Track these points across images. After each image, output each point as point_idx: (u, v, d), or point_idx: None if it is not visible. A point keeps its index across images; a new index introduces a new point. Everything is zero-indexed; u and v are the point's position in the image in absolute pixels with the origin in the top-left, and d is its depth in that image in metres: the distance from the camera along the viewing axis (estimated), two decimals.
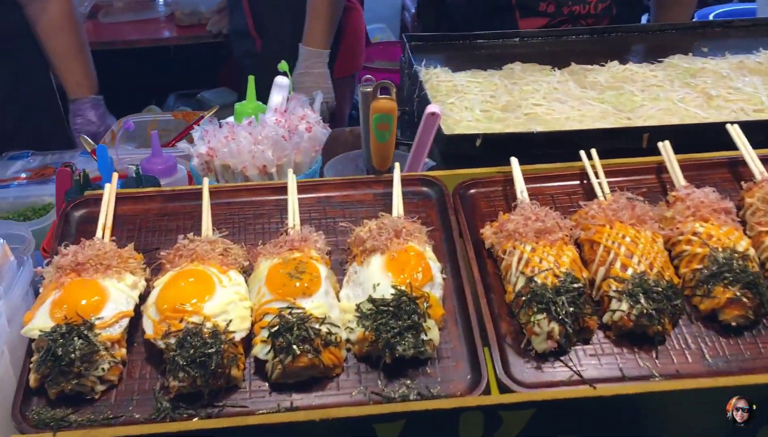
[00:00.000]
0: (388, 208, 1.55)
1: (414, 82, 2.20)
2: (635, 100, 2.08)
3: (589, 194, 1.59)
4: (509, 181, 1.61)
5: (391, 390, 1.27)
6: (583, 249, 1.46)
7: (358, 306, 1.33)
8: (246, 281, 1.41)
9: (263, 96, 2.06)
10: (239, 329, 1.30)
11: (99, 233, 1.47)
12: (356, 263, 1.42)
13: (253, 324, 1.33)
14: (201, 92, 4.55)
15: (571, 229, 1.46)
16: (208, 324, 1.27)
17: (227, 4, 3.68)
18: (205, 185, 1.58)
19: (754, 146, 1.63)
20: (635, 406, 1.23)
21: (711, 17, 3.84)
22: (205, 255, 1.38)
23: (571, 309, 1.29)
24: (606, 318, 1.34)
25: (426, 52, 2.44)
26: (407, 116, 2.32)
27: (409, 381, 1.28)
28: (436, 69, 2.30)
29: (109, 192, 1.55)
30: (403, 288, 1.32)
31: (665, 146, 1.64)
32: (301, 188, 1.61)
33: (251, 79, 2.08)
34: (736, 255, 1.36)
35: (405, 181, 1.61)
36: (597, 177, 1.59)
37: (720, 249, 1.37)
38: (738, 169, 1.66)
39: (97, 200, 1.56)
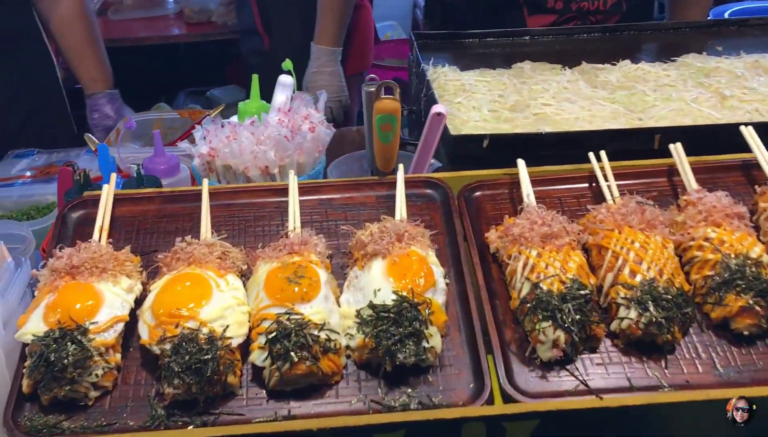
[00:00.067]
0: (392, 211, 1.52)
1: (421, 81, 2.17)
2: (647, 100, 2.04)
3: (598, 197, 1.55)
4: (516, 183, 1.57)
5: (392, 398, 1.24)
6: (590, 255, 1.42)
7: (358, 312, 1.30)
8: (245, 285, 1.38)
9: (272, 94, 2.02)
10: (236, 335, 1.27)
11: (96, 235, 1.45)
12: (357, 267, 1.39)
13: (250, 330, 1.30)
14: (210, 90, 4.54)
15: (578, 234, 1.43)
16: (205, 330, 1.24)
17: (235, 1, 3.66)
18: (205, 186, 1.55)
19: None
20: (643, 418, 1.19)
21: (726, 15, 3.77)
22: (202, 259, 1.36)
23: (578, 316, 1.25)
24: (614, 326, 1.31)
25: (434, 51, 2.41)
26: (414, 115, 2.29)
27: (410, 390, 1.25)
28: (444, 68, 2.26)
29: (107, 193, 1.53)
30: (404, 293, 1.28)
31: (677, 148, 1.60)
32: (303, 190, 1.58)
33: (255, 77, 2.05)
34: (749, 261, 1.32)
35: (409, 183, 1.58)
36: (606, 180, 1.55)
37: (732, 256, 1.33)
38: (752, 172, 1.61)
39: (96, 201, 1.54)
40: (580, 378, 1.25)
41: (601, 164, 1.59)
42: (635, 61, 2.29)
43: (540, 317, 1.26)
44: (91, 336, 1.24)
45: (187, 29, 4.44)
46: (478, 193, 1.60)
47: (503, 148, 1.77)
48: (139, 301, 1.36)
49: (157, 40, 4.44)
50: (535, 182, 1.56)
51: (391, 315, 1.25)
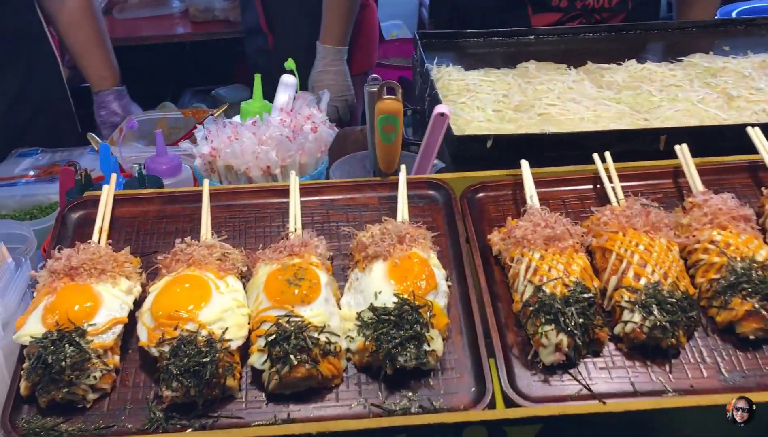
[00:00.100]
0: (394, 212, 1.51)
1: (425, 80, 2.15)
2: (653, 100, 2.02)
3: (602, 199, 1.54)
4: (519, 184, 1.56)
5: (392, 402, 1.23)
6: (594, 257, 1.41)
7: (358, 314, 1.29)
8: (244, 287, 1.37)
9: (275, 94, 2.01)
10: (236, 337, 1.26)
11: (95, 236, 1.44)
12: (358, 269, 1.38)
13: (250, 332, 1.29)
14: (216, 89, 4.53)
15: (582, 236, 1.41)
16: (204, 332, 1.23)
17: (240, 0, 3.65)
18: (206, 187, 1.54)
19: None
20: (647, 423, 1.18)
21: (733, 15, 3.74)
22: (202, 260, 1.35)
23: (581, 320, 1.24)
24: (617, 329, 1.29)
25: (439, 50, 2.39)
26: (419, 115, 2.27)
27: (410, 394, 1.24)
28: (448, 67, 2.25)
29: (107, 194, 1.52)
30: (405, 296, 1.27)
31: (682, 149, 1.58)
32: (304, 190, 1.57)
33: (258, 77, 2.04)
34: (756, 265, 1.30)
35: (411, 184, 1.57)
36: (611, 181, 1.53)
37: (738, 259, 1.31)
38: (759, 174, 1.59)
39: (96, 201, 1.53)
40: (583, 382, 1.24)
41: (605, 165, 1.57)
42: (641, 60, 2.27)
43: (543, 320, 1.25)
44: (89, 338, 1.24)
45: (192, 28, 4.43)
46: (480, 195, 1.58)
47: (507, 149, 1.76)
48: (138, 303, 1.35)
49: (162, 39, 4.43)
50: (538, 183, 1.54)
51: (392, 317, 1.24)
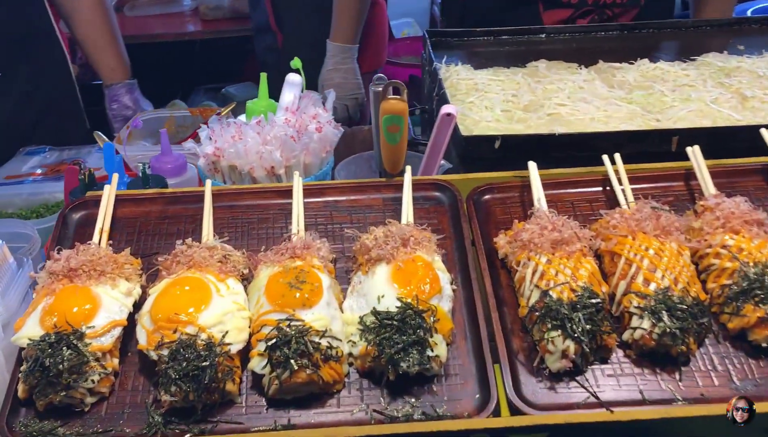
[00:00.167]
0: (398, 214, 1.48)
1: (434, 79, 2.13)
2: (665, 100, 1.99)
3: (612, 202, 1.51)
4: (527, 186, 1.53)
5: (395, 408, 1.21)
6: (603, 261, 1.38)
7: (361, 318, 1.26)
8: (246, 289, 1.35)
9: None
10: (236, 341, 1.24)
11: (96, 237, 1.42)
12: (361, 272, 1.36)
13: (251, 336, 1.26)
14: (226, 87, 4.52)
15: (590, 240, 1.38)
16: (203, 336, 1.22)
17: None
18: (208, 187, 1.52)
19: None
20: (656, 432, 1.16)
21: (749, 13, 3.69)
22: (202, 262, 1.33)
23: (588, 326, 1.21)
24: (626, 336, 1.26)
25: (448, 49, 2.37)
26: (427, 115, 2.25)
27: (413, 400, 1.22)
28: (457, 66, 2.22)
29: (109, 194, 1.50)
30: (408, 300, 1.25)
31: (694, 151, 1.54)
32: (308, 191, 1.55)
33: (263, 76, 2.02)
34: None
35: (416, 186, 1.54)
36: (620, 183, 1.50)
37: (751, 264, 1.29)
38: None
39: (98, 202, 1.51)
40: (591, 390, 1.21)
41: (615, 167, 1.54)
42: (654, 60, 2.24)
43: (549, 326, 1.23)
44: (87, 341, 1.22)
45: (202, 26, 4.43)
46: (487, 196, 1.56)
47: (515, 150, 1.73)
48: (138, 305, 1.33)
49: (172, 36, 4.43)
50: (547, 185, 1.52)
51: (395, 322, 1.22)
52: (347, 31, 2.85)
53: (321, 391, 1.22)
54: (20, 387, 1.21)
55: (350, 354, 1.26)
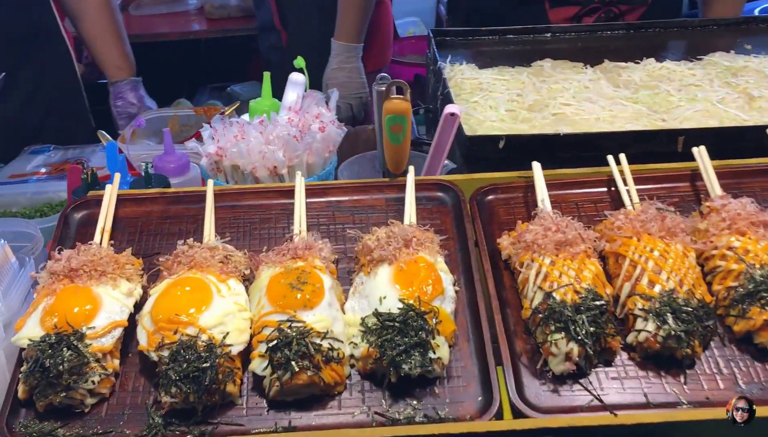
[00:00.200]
0: (401, 214, 1.48)
1: (438, 79, 2.12)
2: (671, 100, 1.97)
3: (617, 203, 1.50)
4: (531, 186, 1.52)
5: (396, 410, 1.20)
6: (607, 263, 1.37)
7: (362, 320, 1.25)
8: (247, 290, 1.34)
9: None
10: (236, 342, 1.23)
11: (97, 237, 1.42)
12: (363, 273, 1.35)
13: (252, 337, 1.26)
14: (231, 86, 4.51)
15: (595, 241, 1.37)
16: (204, 337, 1.21)
17: None
18: (210, 187, 1.52)
19: None
20: (660, 436, 1.14)
21: (756, 12, 3.67)
22: (204, 263, 1.32)
23: (592, 328, 1.20)
24: (630, 338, 1.25)
25: (453, 48, 2.36)
26: (432, 114, 2.24)
27: (415, 402, 1.21)
28: (461, 65, 2.21)
29: (110, 193, 1.50)
30: (410, 302, 1.24)
31: (700, 152, 1.53)
32: (310, 191, 1.54)
33: (267, 75, 2.01)
34: None
35: (420, 186, 1.53)
36: (625, 184, 1.49)
37: (758, 266, 1.27)
38: None
39: (99, 201, 1.51)
40: (594, 392, 1.20)
41: (620, 167, 1.53)
42: (660, 59, 2.22)
43: (552, 328, 1.21)
44: (87, 342, 1.21)
45: (207, 25, 4.43)
46: (491, 197, 1.54)
47: (520, 150, 1.72)
48: (139, 305, 1.32)
49: (178, 35, 4.43)
50: (551, 186, 1.50)
51: (397, 324, 1.21)
52: (352, 29, 2.84)
53: (322, 393, 1.21)
54: (20, 388, 1.21)
55: (352, 356, 1.25)
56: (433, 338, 1.21)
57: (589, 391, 1.20)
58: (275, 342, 1.19)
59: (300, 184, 1.51)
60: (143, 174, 1.79)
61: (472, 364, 1.26)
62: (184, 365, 1.17)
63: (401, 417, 1.18)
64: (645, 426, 1.12)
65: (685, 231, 1.36)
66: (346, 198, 1.57)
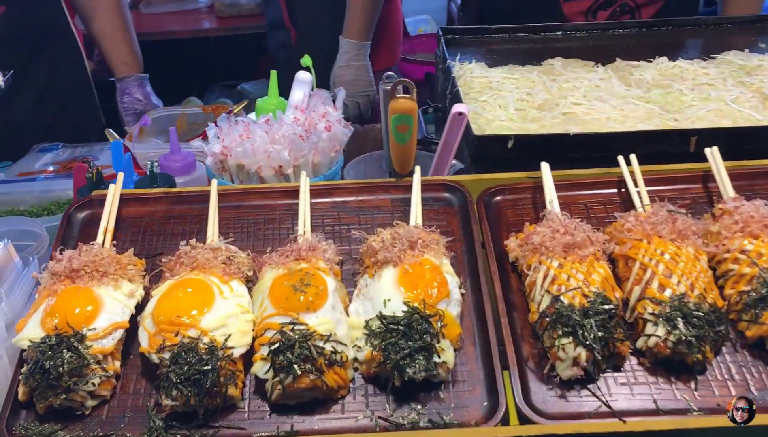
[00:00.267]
0: (407, 215, 1.46)
1: (447, 77, 2.09)
2: (683, 99, 1.94)
3: (627, 204, 1.47)
4: (539, 187, 1.50)
5: (400, 415, 1.18)
6: (617, 266, 1.35)
7: (366, 323, 1.23)
8: (250, 291, 1.32)
9: None
10: (239, 344, 1.22)
11: (99, 237, 1.40)
12: (367, 275, 1.33)
13: (254, 339, 1.24)
14: (241, 84, 4.51)
15: (604, 243, 1.35)
16: (205, 339, 1.19)
17: None
18: (214, 187, 1.50)
19: None
20: None
21: None
22: (206, 264, 1.31)
23: (600, 333, 1.18)
24: (640, 343, 1.23)
25: (462, 46, 2.34)
26: (441, 113, 2.22)
27: (419, 407, 1.19)
28: (471, 64, 2.19)
29: (113, 193, 1.48)
30: (415, 305, 1.22)
31: (713, 153, 1.50)
32: (315, 191, 1.52)
33: (273, 74, 2.00)
34: None
35: (426, 186, 1.51)
36: (636, 185, 1.47)
37: None
38: None
39: (103, 201, 1.49)
40: (603, 398, 1.18)
41: (630, 168, 1.50)
42: (673, 58, 2.19)
43: (560, 332, 1.19)
44: (88, 344, 1.20)
45: (218, 23, 4.43)
46: (498, 198, 1.52)
47: (529, 150, 1.70)
48: (141, 306, 1.31)
49: (188, 33, 4.44)
50: (560, 187, 1.48)
51: (401, 327, 1.19)
52: (360, 27, 2.83)
53: (325, 397, 1.20)
54: (20, 390, 1.20)
55: (355, 359, 1.24)
56: (438, 342, 1.19)
57: (597, 397, 1.18)
58: (277, 345, 1.18)
59: (305, 184, 1.49)
60: (148, 173, 1.77)
61: (477, 368, 1.24)
62: (186, 368, 1.16)
63: (405, 422, 1.17)
64: (654, 433, 1.10)
65: (697, 234, 1.34)
66: (352, 198, 1.55)
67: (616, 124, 1.84)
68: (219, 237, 1.42)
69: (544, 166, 1.50)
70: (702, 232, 1.36)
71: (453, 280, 1.30)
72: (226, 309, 1.24)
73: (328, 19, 2.96)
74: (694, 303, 1.20)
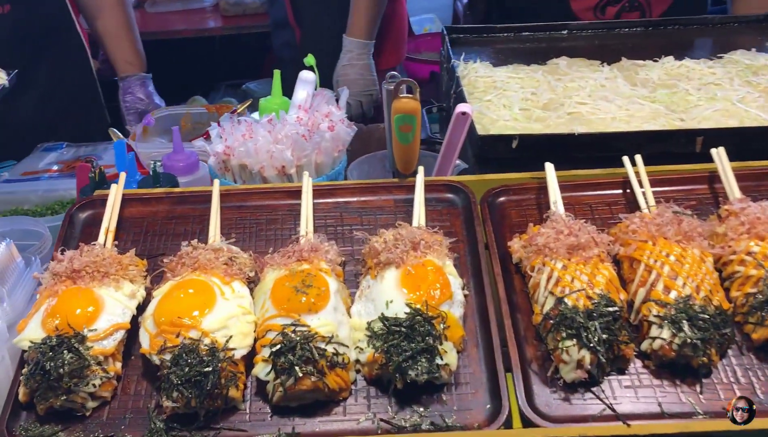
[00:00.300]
0: (410, 215, 1.45)
1: (451, 77, 2.08)
2: (690, 99, 1.92)
3: (632, 205, 1.46)
4: (543, 188, 1.48)
5: (402, 418, 1.17)
6: (621, 267, 1.33)
7: (369, 324, 1.22)
8: (252, 292, 1.32)
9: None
10: (240, 346, 1.21)
11: (101, 237, 1.40)
12: (370, 276, 1.32)
13: (255, 341, 1.23)
14: (246, 83, 4.50)
15: (608, 245, 1.34)
16: (206, 341, 1.19)
17: None
18: (216, 187, 1.50)
19: None
20: None
21: None
22: (208, 265, 1.30)
23: (605, 335, 1.17)
24: (645, 345, 1.22)
25: (467, 45, 2.33)
26: (445, 113, 2.21)
27: (422, 409, 1.18)
28: (475, 63, 2.18)
29: (115, 193, 1.48)
30: (418, 306, 1.21)
31: (719, 153, 1.49)
32: (317, 192, 1.51)
33: (277, 73, 1.99)
34: None
35: (429, 187, 1.50)
36: (641, 186, 1.45)
37: None
38: None
39: (105, 201, 1.49)
40: (607, 401, 1.17)
41: (636, 168, 1.49)
42: (679, 57, 2.17)
43: (564, 335, 1.18)
44: (89, 345, 1.20)
45: (223, 22, 4.43)
46: (502, 198, 1.51)
47: (534, 150, 1.69)
48: (143, 307, 1.30)
49: (193, 32, 4.44)
50: (564, 187, 1.47)
51: (403, 329, 1.19)
52: (364, 25, 2.82)
53: (327, 399, 1.19)
54: (21, 391, 1.20)
55: (357, 361, 1.23)
56: (441, 343, 1.18)
57: (601, 400, 1.17)
58: (279, 346, 1.17)
59: (307, 185, 1.48)
60: (151, 172, 1.77)
61: (480, 371, 1.23)
62: (187, 369, 1.15)
63: (407, 425, 1.16)
64: None
65: (703, 236, 1.33)
66: (354, 199, 1.54)
67: (622, 123, 1.82)
68: (221, 237, 1.42)
69: (549, 167, 1.49)
70: (708, 234, 1.35)
71: (456, 282, 1.29)
72: (227, 311, 1.23)
73: (334, 18, 2.94)
74: (699, 306, 1.19)
